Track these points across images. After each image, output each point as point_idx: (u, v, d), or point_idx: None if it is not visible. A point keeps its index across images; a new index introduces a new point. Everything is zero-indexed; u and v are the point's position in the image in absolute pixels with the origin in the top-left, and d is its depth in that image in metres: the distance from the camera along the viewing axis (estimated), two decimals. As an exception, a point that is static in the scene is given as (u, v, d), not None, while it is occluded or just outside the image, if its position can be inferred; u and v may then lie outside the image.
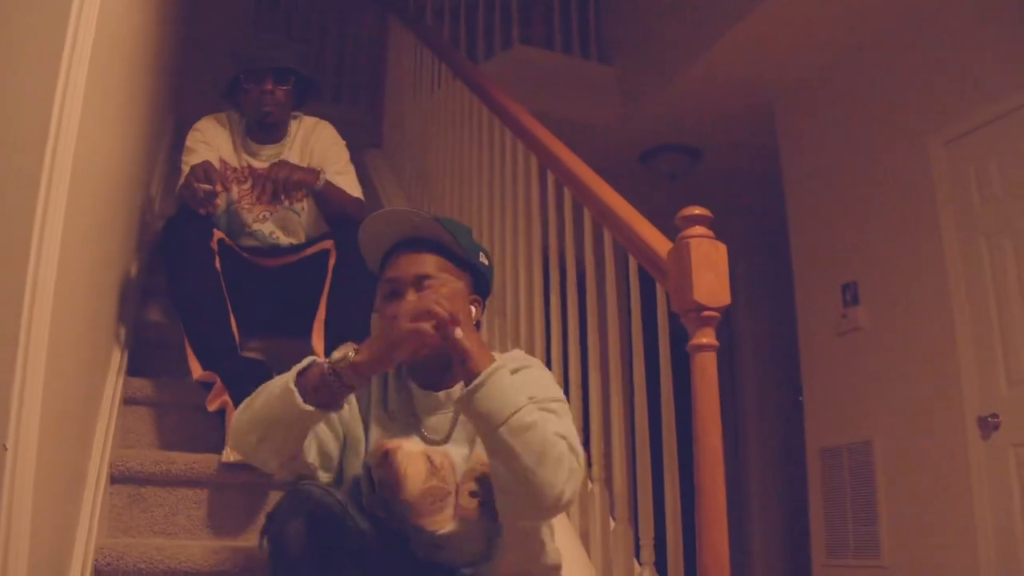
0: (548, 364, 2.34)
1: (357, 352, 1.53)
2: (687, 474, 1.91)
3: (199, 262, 2.59)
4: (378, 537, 1.56)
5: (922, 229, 4.00)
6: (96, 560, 1.96)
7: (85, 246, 1.84)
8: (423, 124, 4.20)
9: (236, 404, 2.38)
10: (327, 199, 2.82)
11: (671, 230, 1.94)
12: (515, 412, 1.47)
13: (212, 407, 2.45)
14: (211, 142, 2.91)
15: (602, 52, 5.61)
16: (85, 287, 1.91)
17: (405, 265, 1.68)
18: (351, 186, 2.92)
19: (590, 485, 2.31)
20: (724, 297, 1.80)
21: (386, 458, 1.67)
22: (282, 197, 2.72)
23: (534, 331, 2.71)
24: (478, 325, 1.75)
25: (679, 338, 1.90)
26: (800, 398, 4.69)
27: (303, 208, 2.95)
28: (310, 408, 1.53)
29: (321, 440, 1.70)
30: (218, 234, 2.70)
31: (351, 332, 2.63)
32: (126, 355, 2.67)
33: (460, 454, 1.69)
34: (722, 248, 1.84)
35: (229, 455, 2.30)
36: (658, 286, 2.03)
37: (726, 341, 6.32)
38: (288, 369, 1.61)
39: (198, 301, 2.55)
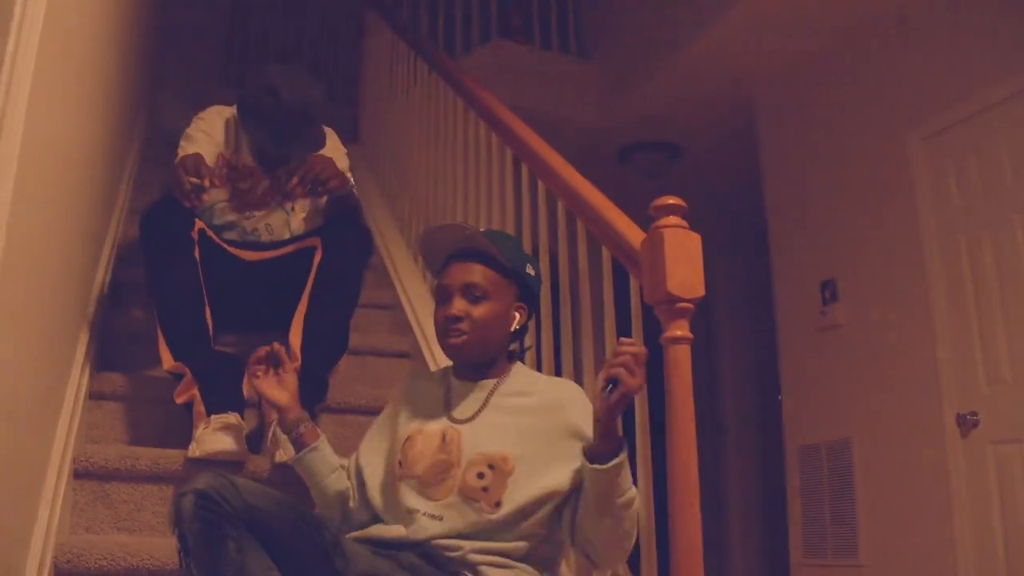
0: (521, 357, 2.29)
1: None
2: (660, 470, 1.88)
3: (177, 250, 2.53)
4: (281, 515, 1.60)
5: (901, 226, 3.99)
6: (56, 557, 1.91)
7: (41, 236, 1.78)
8: (401, 118, 4.16)
9: (204, 398, 2.36)
10: (342, 202, 2.79)
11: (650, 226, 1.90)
12: (630, 488, 1.64)
13: (180, 399, 2.39)
14: (213, 134, 2.82)
15: (582, 47, 5.58)
16: (42, 279, 1.85)
17: (455, 273, 1.85)
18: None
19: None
20: (698, 288, 1.77)
21: (407, 441, 1.81)
22: (307, 190, 2.66)
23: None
24: (525, 330, 1.93)
25: (654, 332, 1.86)
26: (779, 397, 4.67)
27: (292, 209, 2.90)
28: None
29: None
30: (199, 224, 2.65)
31: (330, 330, 2.62)
32: (94, 349, 2.61)
33: (477, 434, 1.78)
34: (696, 239, 1.81)
35: (195, 450, 2.25)
36: (632, 278, 1.99)
37: (704, 338, 6.31)
38: None
39: (173, 290, 2.50)
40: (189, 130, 2.82)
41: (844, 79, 4.40)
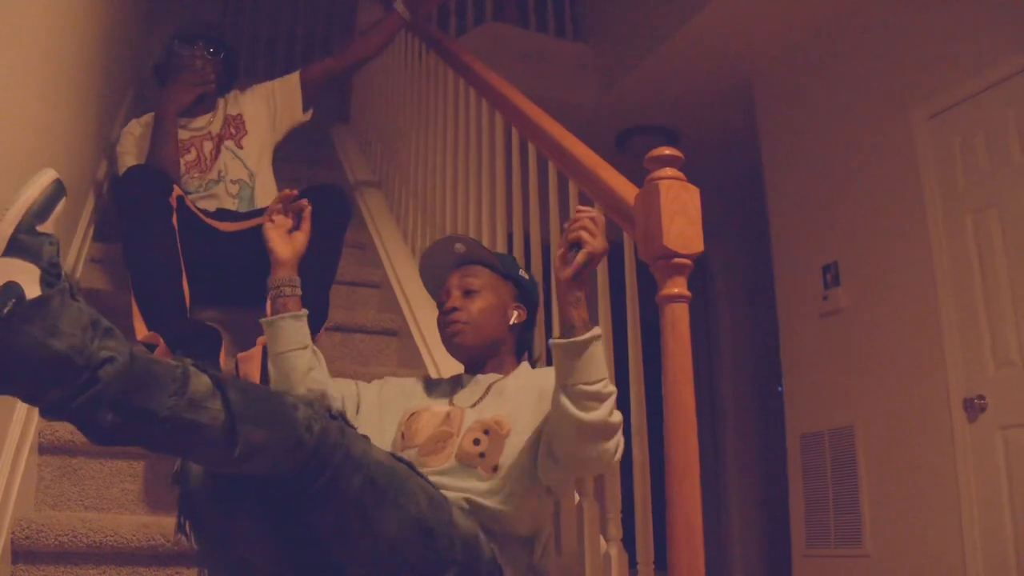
0: (531, 361, 2.20)
1: None
2: (657, 439, 1.77)
3: (155, 216, 2.43)
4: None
5: (905, 206, 3.89)
6: (13, 533, 1.80)
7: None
8: (391, 97, 4.05)
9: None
10: None
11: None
12: (603, 379, 1.54)
13: None
14: (143, 143, 2.91)
15: (577, 30, 5.49)
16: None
17: (452, 278, 1.94)
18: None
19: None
20: (696, 243, 1.66)
21: (412, 416, 1.81)
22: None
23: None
24: (530, 332, 2.02)
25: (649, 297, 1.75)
26: (780, 388, 4.57)
27: (239, 146, 2.94)
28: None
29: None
30: (177, 190, 2.56)
31: (308, 299, 2.50)
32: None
33: (478, 411, 1.77)
34: (694, 191, 1.70)
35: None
36: (625, 236, 1.88)
37: (702, 324, 6.21)
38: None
39: (150, 256, 2.39)
40: (119, 149, 2.93)
41: (846, 57, 4.29)
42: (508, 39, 5.08)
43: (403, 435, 1.79)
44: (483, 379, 1.87)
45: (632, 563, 1.84)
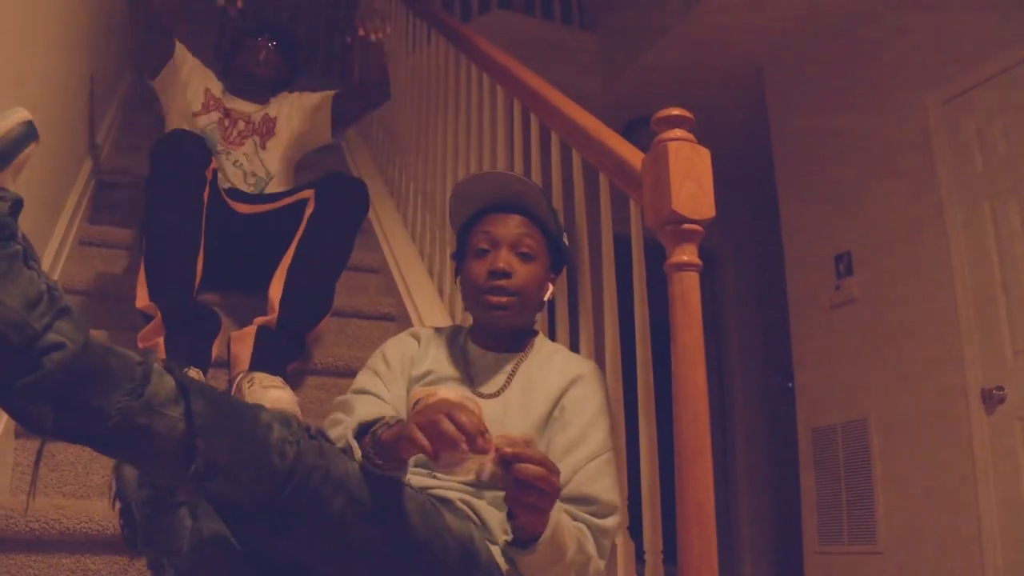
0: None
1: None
2: (665, 421, 1.67)
3: (190, 184, 2.34)
4: None
5: (920, 193, 3.80)
6: (-16, 520, 1.70)
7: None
8: (393, 80, 3.95)
9: (169, 347, 2.15)
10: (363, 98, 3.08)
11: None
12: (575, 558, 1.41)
13: (142, 344, 2.18)
14: (197, 68, 2.89)
15: (583, 18, 5.42)
16: None
17: (502, 224, 1.67)
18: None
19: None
20: (707, 208, 1.55)
21: (418, 404, 1.55)
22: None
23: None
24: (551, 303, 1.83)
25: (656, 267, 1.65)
26: (790, 384, 4.47)
27: (264, 146, 2.88)
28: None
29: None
30: (214, 163, 2.47)
31: (314, 286, 2.42)
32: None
33: (501, 412, 1.58)
34: (705, 153, 1.59)
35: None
36: (632, 205, 1.77)
37: (710, 315, 6.09)
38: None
39: (173, 222, 2.28)
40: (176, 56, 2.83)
41: (858, 41, 4.20)
42: (513, 28, 4.99)
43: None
44: (505, 359, 1.68)
45: (639, 555, 1.72)
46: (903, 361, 3.78)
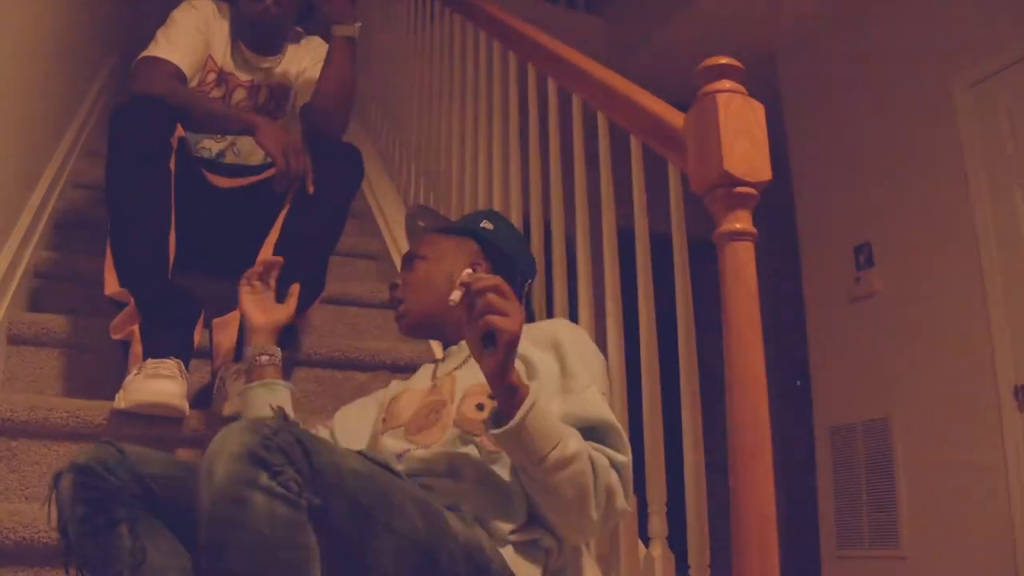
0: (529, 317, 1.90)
1: None
2: (709, 417, 1.47)
3: (152, 154, 2.03)
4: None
5: (946, 181, 3.64)
6: (-69, 528, 1.49)
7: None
8: (391, 56, 3.76)
9: (145, 336, 1.92)
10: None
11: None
12: (558, 444, 1.26)
13: (117, 335, 1.94)
14: (205, 31, 2.44)
15: (590, 1, 5.28)
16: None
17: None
18: None
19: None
20: (764, 170, 1.35)
21: (392, 400, 1.60)
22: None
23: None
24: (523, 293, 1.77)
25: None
26: (799, 383, 4.29)
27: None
28: None
29: None
30: (180, 131, 2.17)
31: (303, 263, 2.18)
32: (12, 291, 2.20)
33: (472, 370, 1.48)
34: (759, 108, 1.39)
35: (122, 400, 1.81)
36: (670, 168, 1.56)
37: (718, 310, 5.93)
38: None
39: (137, 199, 2.00)
40: (176, 15, 2.40)
41: (877, 22, 4.04)
42: (518, 11, 4.72)
43: (384, 419, 1.55)
44: (464, 345, 1.61)
45: (681, 566, 1.51)
46: (928, 357, 3.61)
